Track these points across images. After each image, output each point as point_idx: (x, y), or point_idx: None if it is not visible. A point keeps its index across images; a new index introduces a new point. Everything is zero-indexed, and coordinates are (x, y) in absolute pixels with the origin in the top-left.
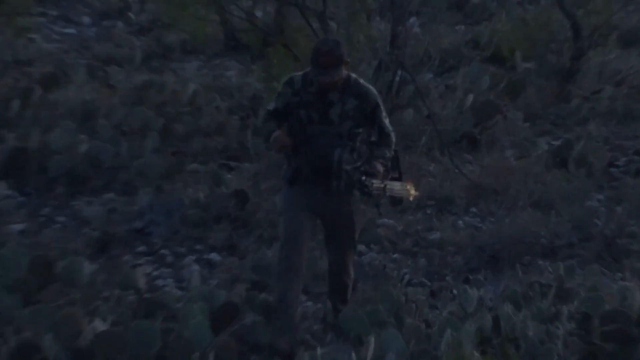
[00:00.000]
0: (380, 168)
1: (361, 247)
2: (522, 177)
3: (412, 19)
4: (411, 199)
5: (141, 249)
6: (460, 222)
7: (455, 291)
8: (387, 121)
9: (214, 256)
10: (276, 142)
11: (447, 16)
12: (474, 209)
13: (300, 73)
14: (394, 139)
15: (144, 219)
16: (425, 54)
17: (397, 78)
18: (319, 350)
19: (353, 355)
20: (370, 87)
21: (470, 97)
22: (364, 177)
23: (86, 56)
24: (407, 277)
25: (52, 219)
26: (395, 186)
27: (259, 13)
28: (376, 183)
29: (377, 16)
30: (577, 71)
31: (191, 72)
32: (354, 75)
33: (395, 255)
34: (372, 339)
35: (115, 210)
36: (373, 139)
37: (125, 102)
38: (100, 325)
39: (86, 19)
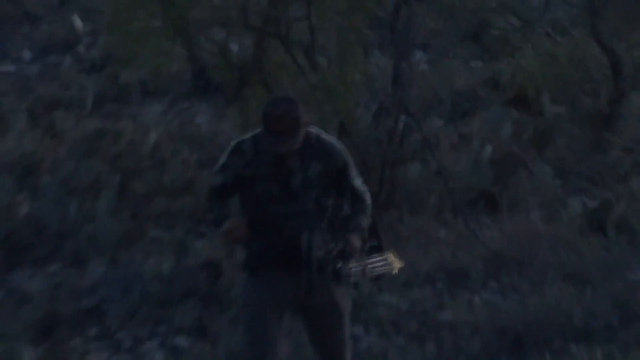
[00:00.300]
0: (358, 243)
1: (358, 330)
2: (551, 244)
3: (419, 54)
4: (394, 272)
5: (93, 331)
6: (476, 298)
7: None
8: (359, 181)
9: (181, 341)
10: (229, 235)
11: (461, 50)
12: (493, 284)
13: (248, 136)
14: (369, 201)
15: (97, 295)
16: (435, 97)
17: (401, 125)
18: None
19: None
20: (335, 141)
21: (489, 149)
22: (339, 265)
23: (27, 99)
24: None
25: None
26: (376, 264)
27: (234, 47)
28: (354, 266)
29: (376, 50)
30: (617, 117)
31: (153, 117)
32: (314, 130)
33: (399, 340)
34: None
35: (62, 284)
36: (343, 204)
37: (74, 154)
38: None
39: (27, 55)
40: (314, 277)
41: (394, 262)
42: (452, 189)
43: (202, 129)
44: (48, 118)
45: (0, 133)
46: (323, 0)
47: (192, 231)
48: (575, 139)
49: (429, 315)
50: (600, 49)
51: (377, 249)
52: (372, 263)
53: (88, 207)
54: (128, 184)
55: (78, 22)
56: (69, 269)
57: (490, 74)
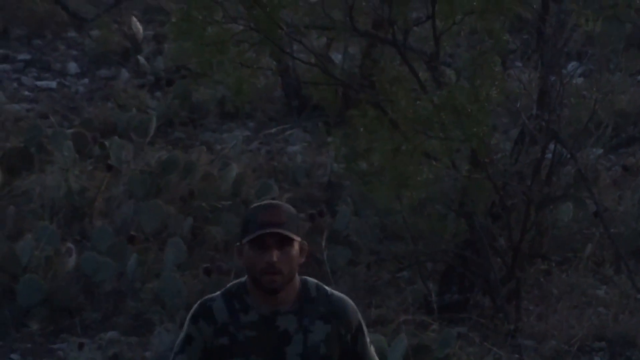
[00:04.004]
0: None
1: None
2: None
3: (572, 65)
4: None
5: None
6: None
7: None
8: (372, 350)
9: None
10: None
11: (626, 60)
12: None
13: (218, 293)
14: None
15: None
16: (592, 119)
17: (549, 155)
18: None
19: None
20: (344, 297)
21: None
22: None
23: (73, 123)
24: None
25: None
26: None
27: (337, 57)
28: None
29: (518, 60)
30: None
31: (234, 146)
32: (313, 280)
33: None
34: None
35: (120, 356)
36: None
37: (134, 192)
38: None
39: (73, 67)
40: None
41: None
42: (614, 236)
43: (297, 161)
44: (100, 147)
45: (39, 166)
46: None
47: None
48: None
49: None
50: None
51: None
52: None
53: (152, 259)
54: (202, 230)
55: (137, 26)
56: (128, 337)
57: None
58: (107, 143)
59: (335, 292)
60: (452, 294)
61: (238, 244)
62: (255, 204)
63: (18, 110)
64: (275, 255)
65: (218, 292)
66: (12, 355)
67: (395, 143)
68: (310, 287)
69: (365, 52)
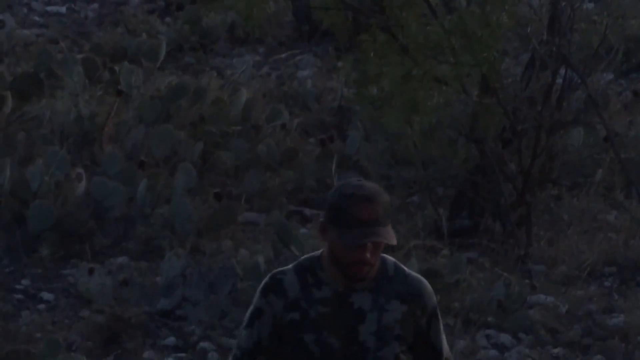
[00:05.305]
0: None
1: (505, 339)
2: None
3: None
4: None
5: (169, 341)
6: None
7: None
8: (444, 339)
9: None
10: None
11: None
12: None
13: (290, 266)
14: None
15: (174, 295)
16: (603, 44)
17: (560, 80)
18: None
19: None
20: (421, 278)
21: None
22: None
23: (83, 48)
24: None
25: (34, 296)
26: None
27: None
28: None
29: None
30: None
31: (244, 71)
32: (391, 258)
33: (557, 350)
34: None
35: (130, 282)
36: None
37: (144, 117)
38: None
39: None
40: None
41: None
42: (625, 161)
43: (307, 86)
44: (110, 72)
45: (49, 91)
46: None
47: (294, 214)
48: None
49: (594, 319)
50: None
51: None
52: None
53: (162, 184)
54: (212, 155)
55: None
56: (138, 263)
57: None
58: (117, 68)
59: (413, 273)
60: (462, 219)
61: (322, 220)
62: (346, 187)
63: (28, 35)
64: (369, 252)
65: (290, 265)
66: (23, 281)
67: (405, 68)
68: (388, 265)
69: None
